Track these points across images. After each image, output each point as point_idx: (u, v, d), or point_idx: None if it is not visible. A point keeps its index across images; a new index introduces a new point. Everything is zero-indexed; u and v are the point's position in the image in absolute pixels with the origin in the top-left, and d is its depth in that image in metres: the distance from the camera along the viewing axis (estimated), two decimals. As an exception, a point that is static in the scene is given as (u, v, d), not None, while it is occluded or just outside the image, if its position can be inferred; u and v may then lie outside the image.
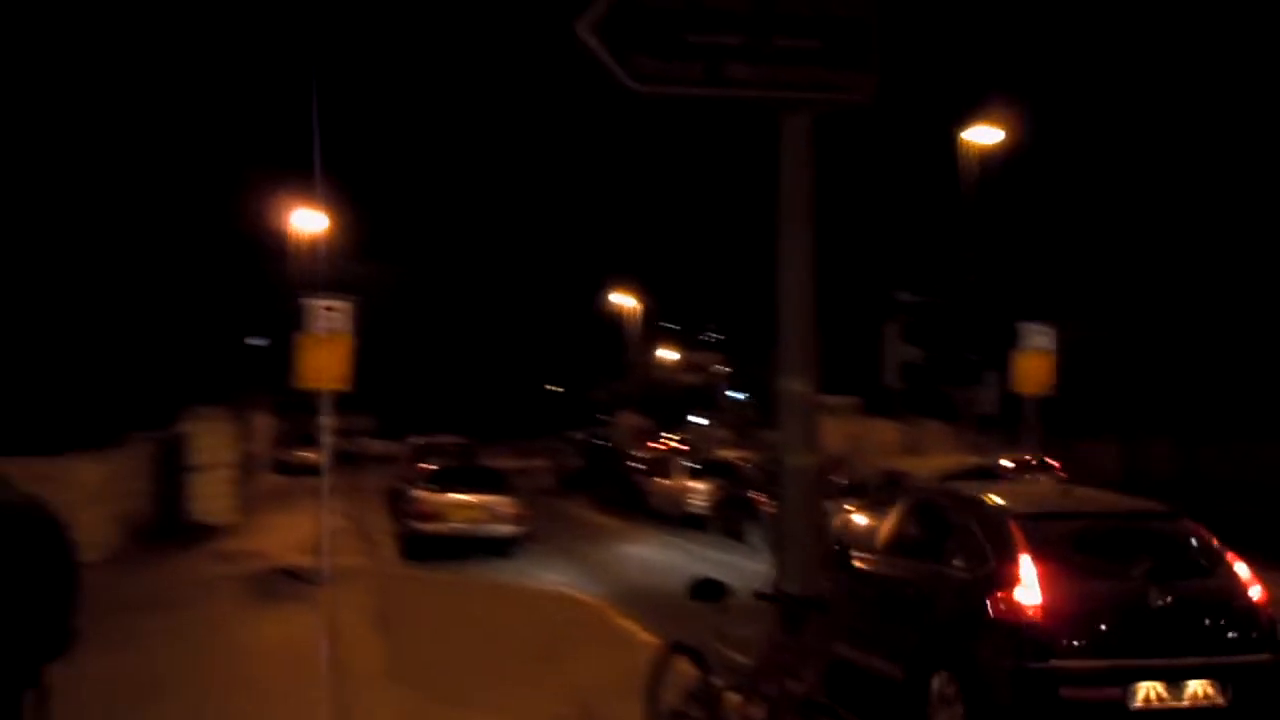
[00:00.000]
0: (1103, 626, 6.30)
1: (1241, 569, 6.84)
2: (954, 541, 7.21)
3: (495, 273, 69.51)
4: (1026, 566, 6.40)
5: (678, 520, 22.92)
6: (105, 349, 22.51)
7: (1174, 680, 6.16)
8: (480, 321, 71.01)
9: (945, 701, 6.62)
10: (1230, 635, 6.48)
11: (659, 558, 18.10)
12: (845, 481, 18.12)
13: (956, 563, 7.08)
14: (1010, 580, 6.42)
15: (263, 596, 12.41)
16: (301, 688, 8.23)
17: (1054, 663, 6.17)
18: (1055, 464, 16.71)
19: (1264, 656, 6.42)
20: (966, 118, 21.24)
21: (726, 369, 54.95)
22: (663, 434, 47.55)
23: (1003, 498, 7.47)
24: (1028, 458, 16.11)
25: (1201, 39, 25.48)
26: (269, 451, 37.37)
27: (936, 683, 6.69)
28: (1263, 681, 6.36)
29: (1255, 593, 6.69)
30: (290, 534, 18.27)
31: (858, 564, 8.32)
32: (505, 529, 17.52)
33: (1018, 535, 6.62)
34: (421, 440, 29.00)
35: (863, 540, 8.71)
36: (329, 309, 13.01)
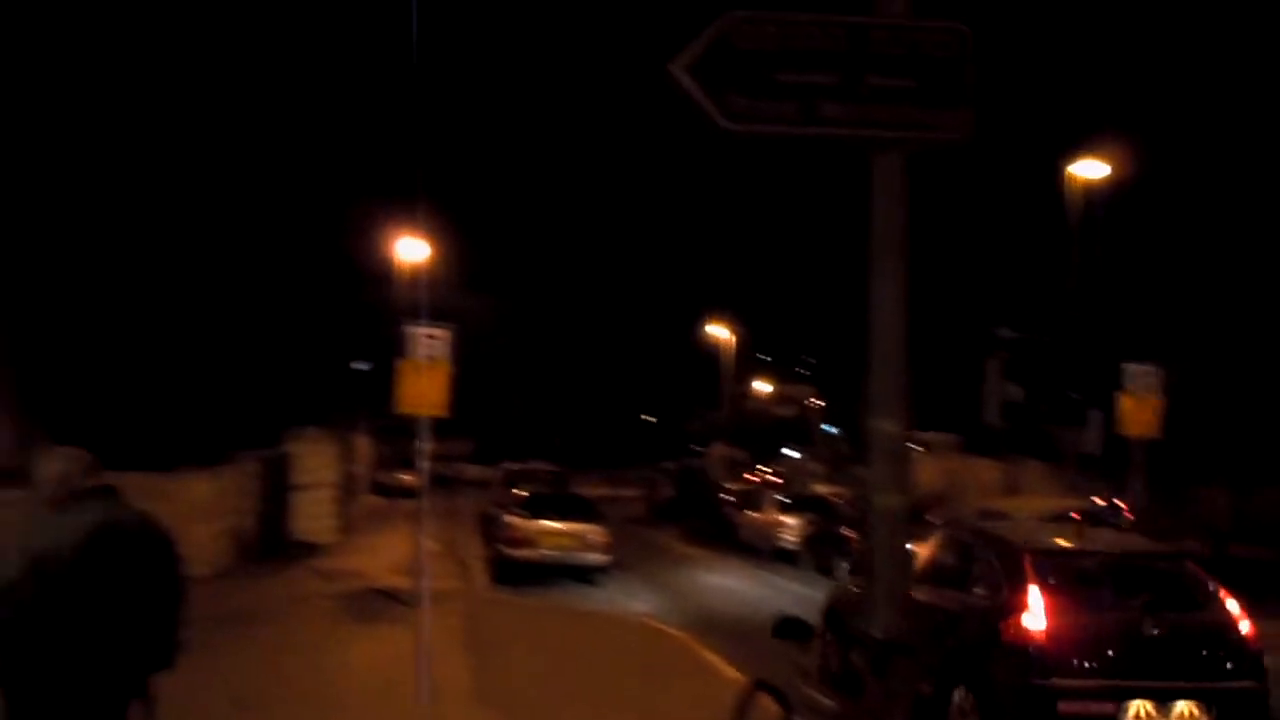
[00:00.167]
0: (1100, 650, 7.09)
1: (1233, 606, 7.55)
2: (976, 572, 8.06)
3: (594, 303, 70.21)
4: (1034, 596, 7.22)
5: (768, 554, 22.73)
6: (217, 369, 23.41)
7: (1163, 700, 6.89)
8: (578, 351, 71.71)
9: (963, 713, 7.39)
10: (1217, 664, 7.20)
11: (747, 591, 17.98)
12: (940, 521, 17.72)
13: (978, 591, 7.91)
14: (1020, 608, 7.25)
15: (359, 615, 12.71)
16: (392, 706, 8.42)
17: (1055, 681, 6.93)
18: (1124, 506, 16.54)
19: (1248, 684, 7.16)
20: (1072, 151, 20.78)
21: (820, 402, 54.39)
22: (756, 466, 47.26)
23: (1019, 535, 8.46)
24: (1099, 500, 15.72)
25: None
26: (369, 473, 38.27)
27: (957, 696, 7.45)
28: (1246, 706, 7.09)
29: (1244, 627, 7.41)
30: (387, 555, 18.69)
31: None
32: (594, 557, 17.61)
33: (1029, 569, 7.46)
34: (515, 466, 29.39)
35: None
36: (429, 336, 13.31)
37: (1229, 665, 7.22)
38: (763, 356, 62.37)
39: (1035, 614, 7.15)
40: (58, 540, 3.86)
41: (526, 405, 66.65)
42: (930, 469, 35.99)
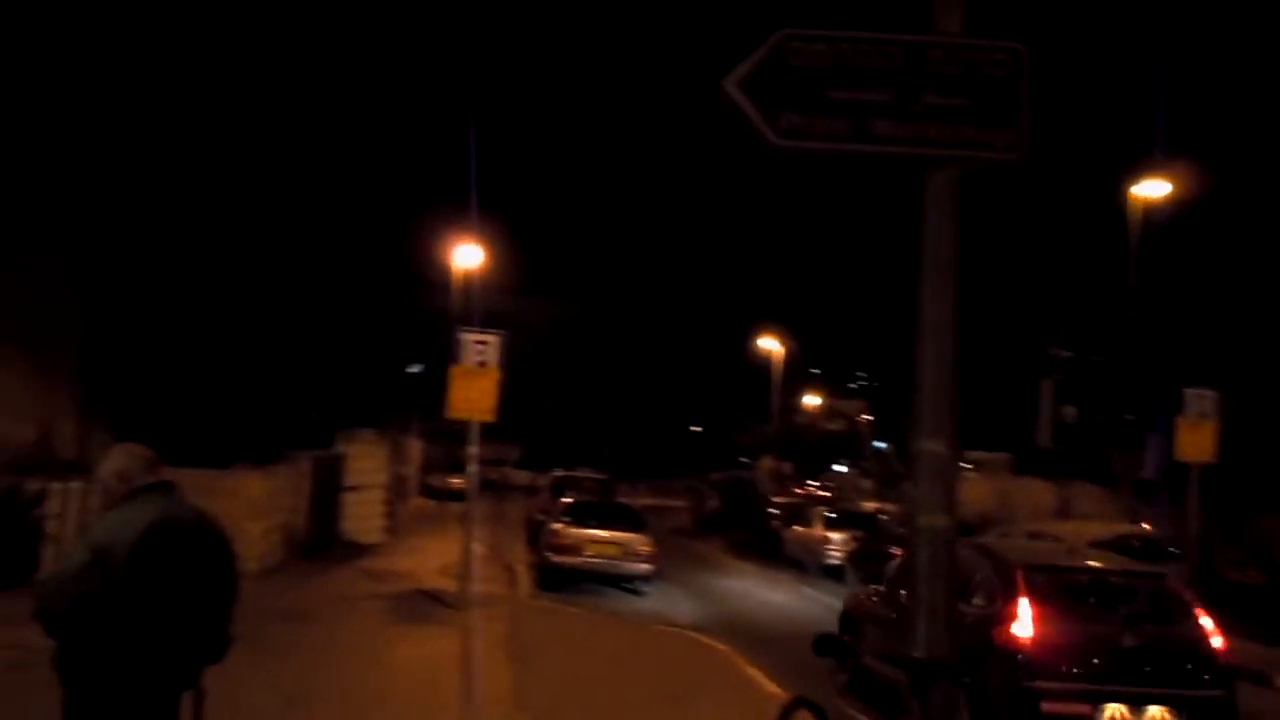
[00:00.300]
0: (1081, 657, 7.83)
1: (1207, 622, 8.33)
2: (975, 584, 8.78)
3: (647, 313, 70.41)
4: (1024, 607, 8.04)
5: (814, 569, 22.58)
6: (274, 370, 23.83)
7: (1136, 705, 7.59)
8: (630, 359, 71.88)
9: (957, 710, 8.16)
10: (1189, 673, 7.91)
11: (792, 606, 17.88)
12: (983, 541, 17.51)
13: (976, 600, 8.65)
14: (1011, 617, 8.05)
15: (406, 616, 12.85)
16: (434, 708, 8.51)
17: (1039, 683, 7.68)
18: (1148, 527, 17.10)
19: (1217, 693, 7.88)
20: (1133, 170, 20.46)
21: (869, 417, 53.97)
22: (806, 481, 47.00)
23: (1014, 552, 9.34)
24: (1148, 526, 15.64)
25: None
26: (419, 476, 38.66)
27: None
28: (1214, 714, 7.80)
29: (1215, 642, 8.18)
30: (435, 557, 18.88)
31: (898, 595, 9.84)
32: (638, 567, 17.62)
33: (1020, 582, 8.28)
34: (562, 473, 29.51)
35: (904, 575, 9.68)
36: (480, 342, 13.50)
37: (1200, 675, 7.93)
38: (814, 370, 62.07)
39: (1024, 622, 7.98)
40: (118, 534, 3.97)
41: (576, 412, 66.91)
42: (980, 488, 35.54)
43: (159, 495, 4.20)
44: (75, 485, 12.35)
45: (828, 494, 40.16)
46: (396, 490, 26.96)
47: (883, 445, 52.06)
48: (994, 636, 8.06)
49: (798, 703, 6.42)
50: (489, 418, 13.51)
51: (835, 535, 22.62)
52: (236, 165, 21.47)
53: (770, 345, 52.84)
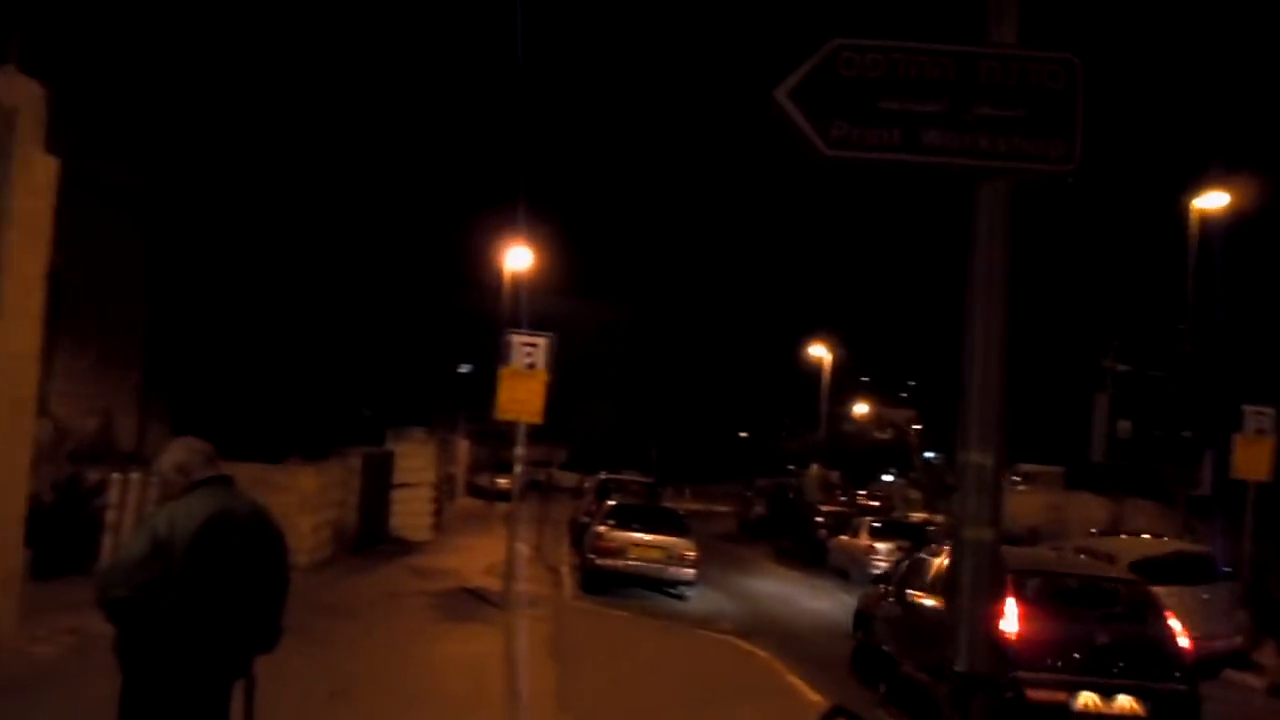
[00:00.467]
0: (1060, 651, 8.83)
1: (1174, 624, 9.43)
2: None
3: (698, 317, 70.39)
4: (1010, 606, 8.96)
5: (859, 579, 22.42)
6: (328, 368, 24.21)
7: (1107, 694, 8.62)
8: (678, 364, 71.87)
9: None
10: (1155, 668, 8.94)
11: (835, 615, 17.78)
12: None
13: None
14: (999, 614, 8.30)
15: (451, 614, 12.99)
16: (477, 705, 8.61)
17: (1022, 673, 8.55)
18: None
19: (1181, 687, 8.91)
20: (1193, 183, 20.10)
21: (919, 427, 53.45)
22: (854, 490, 46.64)
23: (1006, 558, 9.92)
24: (1196, 545, 15.69)
25: None
26: (466, 475, 38.98)
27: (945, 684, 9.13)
28: (1178, 704, 8.79)
29: (1181, 641, 9.32)
30: (480, 556, 19.05)
31: (910, 596, 11.15)
32: (682, 571, 17.63)
33: (1009, 583, 9.13)
34: (608, 476, 29.58)
35: (913, 579, 11.47)
36: (529, 344, 13.61)
37: (1165, 670, 8.96)
38: (864, 379, 61.63)
39: (1010, 620, 8.90)
40: (179, 525, 4.10)
41: (624, 415, 67.04)
42: (1032, 502, 35.06)
43: (217, 488, 4.32)
44: (134, 476, 12.65)
45: (876, 503, 39.85)
46: (444, 489, 27.22)
47: (933, 456, 51.53)
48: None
49: (836, 712, 6.41)
50: (536, 419, 13.61)
51: (881, 545, 22.45)
52: (296, 168, 21.87)
53: (820, 352, 52.56)
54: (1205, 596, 13.46)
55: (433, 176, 31.18)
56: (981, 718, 5.14)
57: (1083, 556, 14.27)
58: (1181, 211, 20.45)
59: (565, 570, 19.63)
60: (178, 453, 4.40)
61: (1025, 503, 34.94)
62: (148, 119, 17.26)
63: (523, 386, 13.43)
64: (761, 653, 12.50)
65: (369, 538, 19.08)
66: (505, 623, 12.38)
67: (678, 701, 9.63)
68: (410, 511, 21.52)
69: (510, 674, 9.73)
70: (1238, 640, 13.29)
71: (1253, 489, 15.00)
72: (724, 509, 43.96)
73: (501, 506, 27.85)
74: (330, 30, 23.05)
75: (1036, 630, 8.88)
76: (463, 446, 37.39)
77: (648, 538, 17.81)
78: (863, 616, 12.57)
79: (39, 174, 8.55)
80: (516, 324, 18.37)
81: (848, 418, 59.45)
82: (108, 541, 12.11)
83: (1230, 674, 13.00)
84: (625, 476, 31.32)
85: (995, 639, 8.25)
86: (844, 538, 24.79)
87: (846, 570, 23.47)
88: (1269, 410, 14.69)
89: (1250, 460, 14.90)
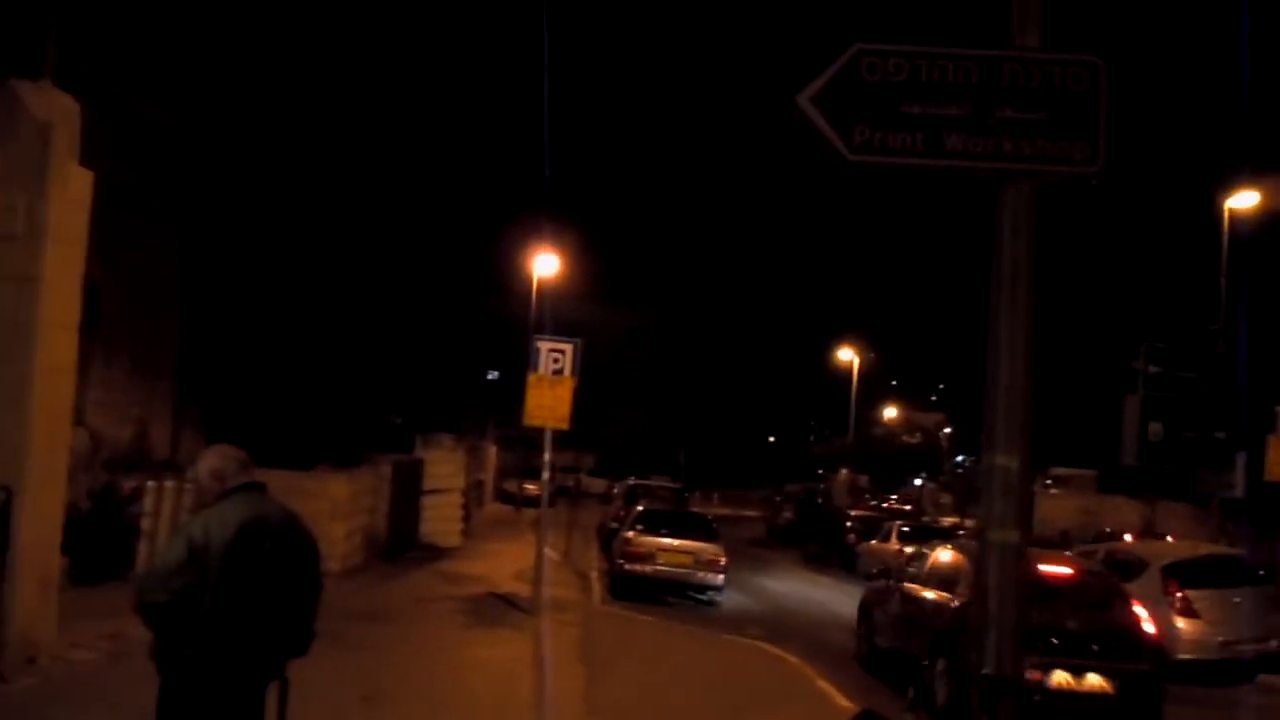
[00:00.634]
0: (1037, 635, 9.33)
1: (1140, 611, 10.81)
2: (958, 577, 11.00)
3: (726, 322, 70.32)
4: None
5: (889, 584, 22.32)
6: (359, 376, 24.41)
7: (1078, 673, 9.55)
8: (706, 369, 71.80)
9: (942, 676, 10.22)
10: (1122, 650, 9.89)
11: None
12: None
13: (958, 590, 10.77)
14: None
15: (481, 619, 13.06)
16: (507, 709, 8.66)
17: None
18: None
19: (1145, 666, 9.93)
20: (1224, 183, 19.89)
21: (948, 430, 53.11)
22: (883, 494, 46.41)
23: None
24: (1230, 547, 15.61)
25: None
26: (495, 481, 39.14)
27: (939, 664, 10.35)
28: (1142, 682, 9.79)
29: (1146, 627, 10.68)
30: (509, 562, 19.14)
31: (900, 586, 12.31)
32: (710, 576, 17.63)
33: None
34: (636, 481, 29.60)
35: (902, 570, 12.80)
36: (556, 350, 13.67)
37: (1131, 653, 9.94)
38: (893, 383, 61.34)
39: None
40: (214, 531, 4.17)
41: (652, 420, 67.05)
42: (1065, 505, 34.76)
43: (251, 495, 4.39)
44: (169, 484, 12.83)
45: (908, 508, 39.64)
46: (473, 495, 27.36)
47: (963, 459, 51.16)
48: (970, 618, 9.56)
49: (865, 715, 6.41)
50: (564, 425, 13.67)
51: (910, 550, 22.32)
52: (326, 176, 22.09)
53: (848, 356, 52.38)
54: (1238, 600, 13.31)
55: (461, 184, 31.37)
56: (1010, 720, 5.13)
57: (1100, 551, 15.79)
58: (1213, 211, 20.24)
59: (594, 575, 19.67)
60: (213, 460, 4.47)
61: (1058, 506, 34.64)
62: (183, 130, 17.51)
63: (550, 392, 13.50)
64: (791, 658, 12.48)
65: (399, 544, 19.20)
66: (534, 628, 12.44)
67: (707, 706, 9.64)
68: (440, 518, 21.65)
69: (539, 679, 9.78)
70: (1272, 644, 13.10)
71: (1284, 492, 14.81)
72: (753, 514, 43.86)
73: (530, 512, 27.95)
74: (361, 42, 23.27)
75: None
76: (491, 452, 37.56)
77: (676, 543, 17.82)
78: (864, 608, 13.56)
79: (75, 187, 8.72)
80: (544, 330, 18.45)
81: (877, 422, 59.17)
82: (143, 548, 12.29)
83: (1266, 678, 12.83)
84: (653, 482, 31.35)
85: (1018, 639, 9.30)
86: (874, 542, 24.67)
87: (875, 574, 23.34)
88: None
89: (1278, 461, 14.73)
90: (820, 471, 56.57)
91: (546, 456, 14.47)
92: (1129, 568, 14.41)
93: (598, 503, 35.28)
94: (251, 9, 18.72)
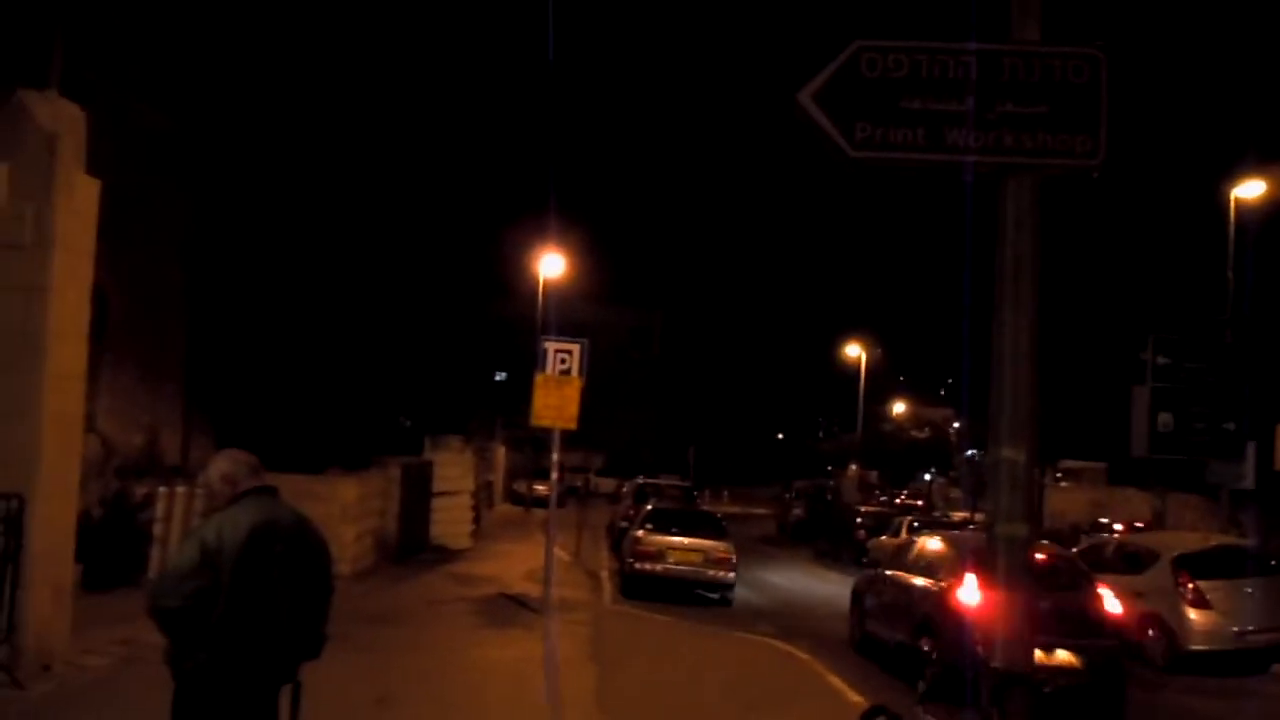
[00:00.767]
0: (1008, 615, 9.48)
1: (1105, 592, 11.58)
2: (940, 563, 12.07)
3: (734, 320, 70.29)
4: (970, 580, 10.87)
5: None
6: (367, 379, 24.47)
7: (1049, 649, 10.18)
8: (714, 367, 71.76)
9: (927, 653, 11.08)
10: (1087, 628, 10.67)
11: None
12: (1074, 550, 17.14)
13: (940, 575, 11.80)
14: (962, 587, 10.99)
15: (492, 620, 13.09)
16: (519, 709, 8.69)
17: (978, 632, 9.79)
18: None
19: (1110, 643, 10.79)
20: (1230, 171, 19.80)
21: (957, 424, 52.98)
22: (893, 490, 46.35)
23: (968, 541, 12.28)
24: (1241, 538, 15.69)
25: None
26: (505, 482, 39.19)
27: (924, 643, 11.25)
28: (1105, 657, 10.57)
29: (1110, 606, 11.48)
30: (520, 563, 19.18)
31: (889, 573, 13.35)
32: (720, 574, 17.63)
33: (971, 562, 11.00)
34: (645, 480, 29.61)
35: (892, 559, 14.01)
36: (563, 350, 13.69)
37: (1095, 629, 10.75)
38: (901, 378, 61.23)
39: (970, 591, 10.77)
40: (226, 534, 4.20)
41: (661, 419, 67.05)
42: (1076, 498, 34.71)
43: (262, 498, 4.42)
44: (180, 489, 12.89)
45: (919, 503, 39.61)
46: (483, 496, 27.40)
47: (973, 453, 51.09)
48: (950, 601, 11.11)
49: (876, 710, 6.42)
50: (571, 425, 13.69)
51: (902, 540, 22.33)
52: (331, 181, 22.14)
53: (856, 352, 52.28)
54: (1249, 590, 13.27)
55: (466, 185, 31.41)
56: (1019, 711, 5.15)
57: (1110, 544, 16.44)
58: (1218, 201, 20.17)
59: (604, 575, 19.69)
60: (223, 464, 4.50)
61: (1068, 499, 34.61)
62: (187, 135, 17.57)
63: (557, 393, 13.52)
64: (802, 655, 12.48)
65: (410, 546, 19.25)
66: (545, 628, 12.46)
67: (719, 705, 9.65)
68: (449, 519, 21.69)
69: (551, 678, 9.80)
70: (1285, 634, 13.05)
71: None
72: (763, 511, 43.86)
73: (539, 513, 27.99)
74: (364, 45, 23.32)
75: (991, 600, 10.58)
76: (500, 453, 37.61)
77: (686, 541, 17.83)
78: (856, 595, 14.51)
79: (81, 196, 8.77)
80: (549, 331, 18.48)
81: (885, 417, 59.08)
82: (156, 554, 12.35)
83: (1279, 668, 12.80)
84: (663, 481, 31.37)
85: (959, 608, 10.66)
86: (884, 538, 24.66)
87: (887, 570, 23.34)
88: (1313, 400, 14.43)
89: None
90: (830, 468, 56.52)
91: (555, 456, 14.50)
92: (1139, 559, 14.39)
93: (607, 502, 35.30)
94: (254, 13, 18.77)
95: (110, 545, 11.86)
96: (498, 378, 45.36)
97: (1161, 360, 19.11)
